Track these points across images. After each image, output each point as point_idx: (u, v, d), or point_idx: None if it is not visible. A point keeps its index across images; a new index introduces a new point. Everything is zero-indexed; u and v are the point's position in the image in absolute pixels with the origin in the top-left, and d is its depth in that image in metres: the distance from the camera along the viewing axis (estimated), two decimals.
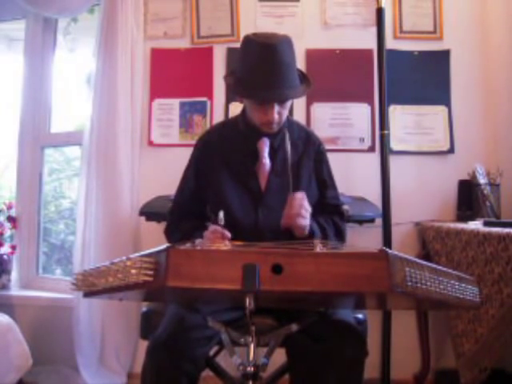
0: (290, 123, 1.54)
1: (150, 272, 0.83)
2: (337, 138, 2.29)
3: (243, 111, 1.51)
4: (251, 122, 1.45)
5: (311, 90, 1.46)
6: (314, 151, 1.54)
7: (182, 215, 1.54)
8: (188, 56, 2.35)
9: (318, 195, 1.52)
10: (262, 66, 1.33)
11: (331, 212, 1.53)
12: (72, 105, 2.82)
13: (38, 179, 2.58)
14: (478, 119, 2.29)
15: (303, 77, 1.46)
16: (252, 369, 0.98)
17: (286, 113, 1.43)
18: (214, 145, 1.51)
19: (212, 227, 1.34)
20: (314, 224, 1.39)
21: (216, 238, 1.28)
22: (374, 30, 2.13)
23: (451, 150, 2.27)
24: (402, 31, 2.32)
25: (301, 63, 2.23)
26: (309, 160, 1.52)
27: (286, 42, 1.36)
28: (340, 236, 1.51)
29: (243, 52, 1.40)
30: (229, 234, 1.29)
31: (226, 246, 1.23)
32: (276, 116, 1.38)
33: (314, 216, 1.45)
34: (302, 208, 1.31)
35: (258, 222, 1.42)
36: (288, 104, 1.41)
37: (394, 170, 2.10)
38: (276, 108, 1.37)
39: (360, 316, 1.41)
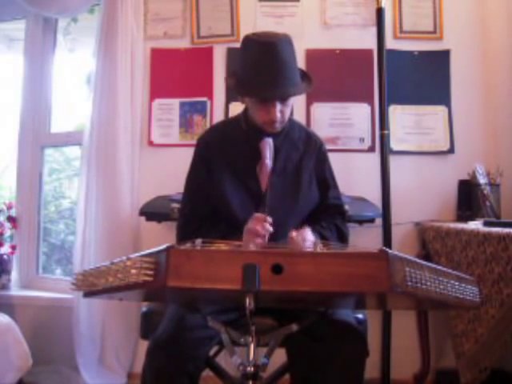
0: (292, 124, 1.54)
1: (150, 272, 0.83)
2: (337, 138, 2.29)
3: (245, 111, 1.51)
4: (253, 121, 1.45)
5: (312, 88, 1.45)
6: (315, 152, 1.54)
7: (200, 222, 1.47)
8: (188, 56, 2.35)
9: (320, 196, 1.52)
10: (262, 64, 1.33)
11: (333, 213, 1.52)
12: (72, 105, 2.82)
13: (37, 179, 2.58)
14: (478, 119, 2.29)
15: (304, 75, 1.46)
16: (252, 369, 0.97)
17: (288, 111, 1.42)
18: (215, 144, 1.51)
19: (252, 218, 1.33)
20: (316, 237, 1.38)
21: (258, 222, 1.29)
22: (374, 30, 2.13)
23: (451, 150, 2.27)
24: (402, 31, 2.32)
25: (301, 63, 2.22)
26: (309, 161, 1.52)
27: (285, 40, 1.36)
28: (342, 240, 1.50)
29: (243, 52, 1.40)
30: (270, 219, 1.29)
31: (266, 229, 1.27)
32: (278, 114, 1.38)
33: (315, 220, 1.45)
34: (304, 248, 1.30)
35: None
36: (290, 102, 1.41)
37: (394, 170, 2.10)
38: (278, 106, 1.37)
39: (360, 316, 1.41)
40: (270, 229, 1.28)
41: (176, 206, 1.88)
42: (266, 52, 1.33)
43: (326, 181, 1.54)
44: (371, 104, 2.28)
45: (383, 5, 2.05)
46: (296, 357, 1.24)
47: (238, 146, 1.49)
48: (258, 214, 1.32)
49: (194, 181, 1.53)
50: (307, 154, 1.52)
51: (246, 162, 1.47)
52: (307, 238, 1.32)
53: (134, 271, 0.85)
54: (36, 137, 2.58)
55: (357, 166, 2.26)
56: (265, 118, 1.39)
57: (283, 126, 1.45)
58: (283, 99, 1.38)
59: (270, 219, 1.29)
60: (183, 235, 1.46)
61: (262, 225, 1.28)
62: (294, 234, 1.30)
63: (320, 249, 1.20)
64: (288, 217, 1.43)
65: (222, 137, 1.52)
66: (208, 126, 2.28)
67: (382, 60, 2.06)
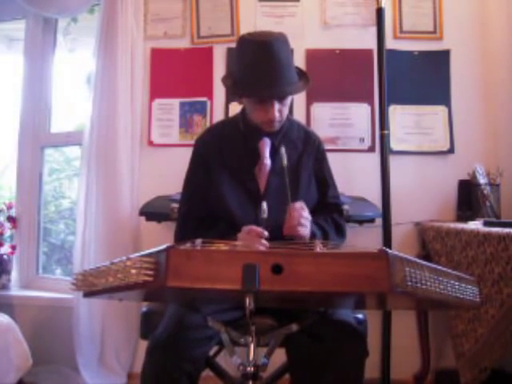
0: (291, 123, 1.54)
1: (150, 272, 0.83)
2: (337, 138, 2.29)
3: (243, 111, 1.51)
4: (251, 121, 1.45)
5: (310, 86, 1.45)
6: (314, 150, 1.54)
7: (198, 222, 1.47)
8: (188, 56, 2.35)
9: (318, 195, 1.52)
10: (259, 64, 1.33)
11: (331, 210, 1.53)
12: (72, 105, 2.82)
13: (37, 179, 2.58)
14: (477, 119, 2.29)
15: (301, 73, 1.46)
16: (252, 369, 0.98)
17: (286, 110, 1.42)
18: (213, 144, 1.51)
19: (247, 227, 1.30)
20: (314, 226, 1.39)
21: (253, 238, 1.26)
22: (374, 30, 2.13)
23: (451, 150, 2.27)
24: (402, 31, 2.32)
25: (301, 63, 2.23)
26: (308, 160, 1.52)
27: (281, 39, 1.36)
28: (341, 233, 1.51)
29: (239, 52, 1.40)
30: (266, 233, 1.26)
31: (262, 245, 1.23)
32: (277, 114, 1.38)
33: (313, 216, 1.45)
34: (302, 218, 1.31)
35: (258, 222, 1.41)
36: (288, 101, 1.41)
37: (394, 170, 2.10)
38: (276, 106, 1.37)
39: (360, 316, 1.41)
40: (267, 244, 1.25)
41: (176, 206, 1.88)
42: (262, 52, 1.33)
43: (324, 180, 1.53)
44: (371, 104, 2.28)
45: (383, 5, 2.05)
46: (296, 357, 1.24)
47: (236, 146, 1.49)
48: (253, 229, 1.29)
49: (192, 181, 1.53)
50: (306, 153, 1.52)
51: (245, 162, 1.47)
52: (305, 215, 1.32)
53: (133, 271, 0.85)
54: (36, 137, 2.58)
55: (357, 166, 2.26)
56: (263, 117, 1.39)
57: (281, 125, 1.45)
58: (281, 98, 1.37)
59: (266, 233, 1.27)
60: (181, 235, 1.46)
61: (259, 242, 1.25)
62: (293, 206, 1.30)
63: (320, 249, 1.20)
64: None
65: (220, 137, 1.52)
66: (208, 126, 2.27)
67: (381, 60, 2.06)
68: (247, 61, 1.36)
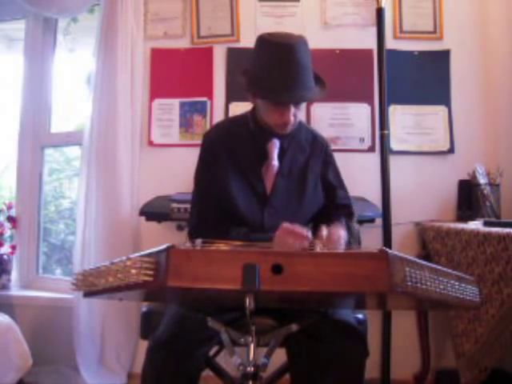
0: (299, 126, 1.52)
1: (150, 272, 0.83)
2: (337, 138, 2.29)
3: (253, 110, 1.49)
4: (262, 122, 1.43)
5: (326, 93, 1.42)
6: (322, 154, 1.53)
7: (215, 221, 1.44)
8: (188, 56, 2.36)
9: (328, 197, 1.50)
10: (279, 66, 1.31)
11: (343, 214, 1.49)
12: (72, 105, 2.82)
13: (38, 179, 2.58)
14: (477, 119, 2.29)
15: (318, 78, 1.44)
16: (252, 369, 0.97)
17: (299, 114, 1.42)
18: (221, 142, 1.48)
19: (287, 226, 1.22)
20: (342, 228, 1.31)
21: (298, 240, 1.19)
22: (374, 29, 2.13)
23: (451, 150, 2.27)
24: (402, 31, 2.32)
25: None
26: (315, 163, 1.51)
27: (302, 42, 1.35)
28: (353, 235, 1.47)
29: (258, 52, 1.38)
30: (310, 234, 1.19)
31: (304, 246, 1.17)
32: (292, 118, 1.36)
33: (327, 219, 1.43)
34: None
35: (264, 222, 1.41)
36: (303, 106, 1.41)
37: (394, 170, 2.10)
38: (292, 110, 1.35)
39: (360, 316, 1.41)
40: (307, 245, 1.20)
41: (176, 206, 1.88)
42: (282, 54, 1.31)
43: (332, 183, 1.52)
44: (371, 104, 2.28)
45: (383, 5, 2.05)
46: (296, 357, 1.24)
47: (244, 145, 1.47)
48: (296, 231, 1.21)
49: (203, 180, 1.49)
50: (313, 157, 1.51)
51: (252, 162, 1.46)
52: (341, 235, 1.25)
53: (133, 271, 0.85)
54: (36, 137, 2.58)
55: (357, 166, 2.25)
56: (278, 120, 1.37)
57: (294, 127, 1.44)
58: (298, 103, 1.37)
59: (309, 234, 1.19)
60: (198, 235, 1.44)
61: (303, 245, 1.18)
62: (324, 232, 1.20)
63: (320, 249, 1.19)
64: (292, 219, 1.42)
65: (229, 135, 1.50)
66: (208, 126, 2.28)
67: (381, 60, 2.06)
68: (267, 61, 1.34)
